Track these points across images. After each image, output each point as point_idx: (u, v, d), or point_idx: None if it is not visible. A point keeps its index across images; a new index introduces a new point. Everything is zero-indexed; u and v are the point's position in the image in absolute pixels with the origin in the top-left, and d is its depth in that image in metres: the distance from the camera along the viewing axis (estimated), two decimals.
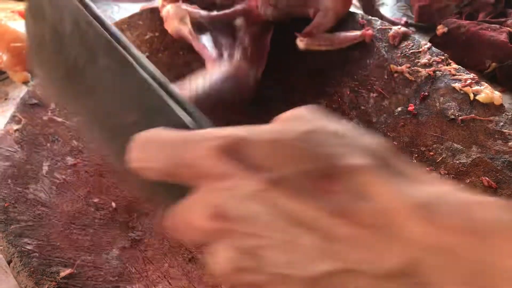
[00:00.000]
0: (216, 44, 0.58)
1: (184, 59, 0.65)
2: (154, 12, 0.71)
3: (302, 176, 0.23)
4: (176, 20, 0.60)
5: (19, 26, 0.66)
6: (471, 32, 0.68)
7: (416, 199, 0.22)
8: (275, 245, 0.23)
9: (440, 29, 0.70)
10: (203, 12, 0.62)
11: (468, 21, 0.71)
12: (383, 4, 0.87)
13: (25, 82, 0.67)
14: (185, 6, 0.61)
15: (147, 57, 0.55)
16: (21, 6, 0.71)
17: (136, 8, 0.78)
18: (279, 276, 0.23)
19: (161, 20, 0.68)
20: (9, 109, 0.63)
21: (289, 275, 0.23)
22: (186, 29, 0.59)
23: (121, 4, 0.84)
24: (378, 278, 0.22)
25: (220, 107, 0.51)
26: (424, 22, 0.80)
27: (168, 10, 0.62)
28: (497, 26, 0.69)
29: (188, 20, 0.60)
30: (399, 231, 0.21)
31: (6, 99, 0.65)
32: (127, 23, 0.70)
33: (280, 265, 0.23)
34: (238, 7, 0.61)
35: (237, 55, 0.56)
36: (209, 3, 0.64)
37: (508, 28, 0.68)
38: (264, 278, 0.23)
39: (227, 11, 0.62)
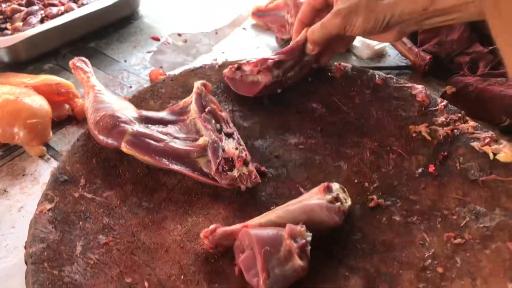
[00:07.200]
0: None
1: None
2: (175, 80, 0.77)
3: None
4: None
5: (34, 102, 0.70)
6: (479, 89, 0.73)
7: None
8: None
9: (449, 89, 0.75)
10: None
11: (473, 78, 0.76)
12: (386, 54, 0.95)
13: (41, 156, 0.71)
14: None
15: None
16: (33, 80, 0.76)
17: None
18: None
19: (182, 87, 0.75)
20: (27, 185, 0.67)
21: None
22: None
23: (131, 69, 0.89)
24: None
25: None
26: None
27: None
28: (503, 79, 0.74)
29: None
30: None
31: (23, 175, 0.69)
32: (150, 92, 0.75)
33: None
34: None
35: None
36: None
37: None
38: None
39: None
